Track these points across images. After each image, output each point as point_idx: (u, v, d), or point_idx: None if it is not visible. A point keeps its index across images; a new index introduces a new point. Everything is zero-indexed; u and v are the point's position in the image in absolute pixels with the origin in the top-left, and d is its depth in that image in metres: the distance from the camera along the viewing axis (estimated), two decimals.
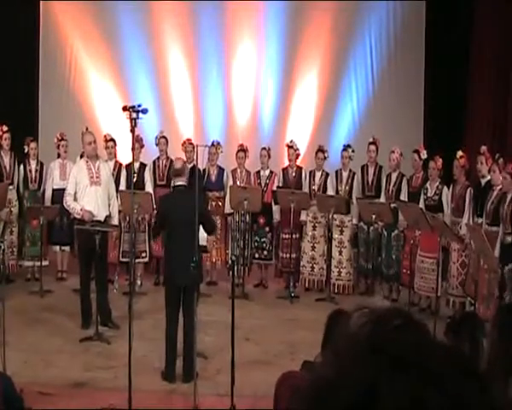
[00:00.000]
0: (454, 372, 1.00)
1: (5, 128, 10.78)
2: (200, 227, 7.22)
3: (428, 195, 9.84)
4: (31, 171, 10.99)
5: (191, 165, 10.61)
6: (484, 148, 9.23)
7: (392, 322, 1.05)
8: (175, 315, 7.18)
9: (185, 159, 11.00)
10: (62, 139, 11.04)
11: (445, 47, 12.59)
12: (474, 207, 9.16)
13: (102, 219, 8.78)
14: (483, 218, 8.85)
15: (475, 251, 8.48)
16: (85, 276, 8.75)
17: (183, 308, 7.16)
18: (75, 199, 8.83)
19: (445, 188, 9.73)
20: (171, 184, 8.37)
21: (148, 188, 10.66)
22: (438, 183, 9.81)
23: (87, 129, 11.17)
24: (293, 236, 10.72)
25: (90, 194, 8.79)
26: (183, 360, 7.10)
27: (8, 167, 10.82)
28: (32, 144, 11.03)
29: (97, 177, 8.90)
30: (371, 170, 10.79)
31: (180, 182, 7.47)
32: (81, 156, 11.02)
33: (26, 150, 10.96)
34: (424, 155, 10.17)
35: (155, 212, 9.17)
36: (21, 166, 10.95)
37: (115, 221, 9.20)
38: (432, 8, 12.97)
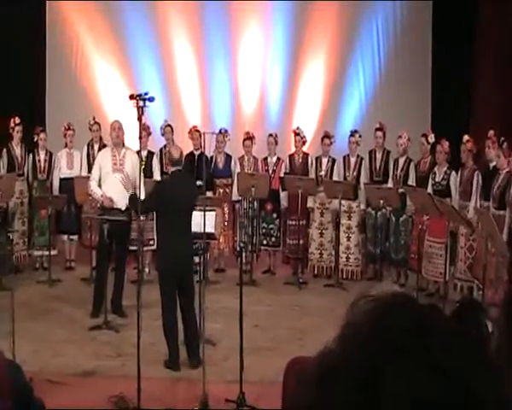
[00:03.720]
0: (458, 357, 1.00)
1: (17, 120, 10.84)
2: (208, 213, 7.22)
3: (436, 179, 9.81)
4: (40, 161, 11.02)
5: (198, 152, 10.62)
6: (491, 132, 9.20)
7: (396, 308, 1.05)
8: (172, 304, 7.12)
9: (192, 146, 11.05)
10: (69, 129, 11.06)
11: (452, 33, 12.51)
12: (481, 191, 9.14)
13: (123, 207, 8.67)
14: (490, 202, 8.84)
15: (483, 235, 8.46)
16: (104, 264, 8.72)
17: (181, 297, 7.13)
18: (99, 185, 8.83)
19: (454, 173, 9.71)
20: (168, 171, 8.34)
21: (157, 176, 10.66)
22: (446, 168, 9.78)
23: (94, 118, 11.23)
24: (300, 222, 10.71)
25: (111, 181, 8.74)
26: (187, 346, 7.11)
27: (19, 158, 10.86)
28: (42, 135, 11.07)
29: (121, 164, 8.84)
30: (379, 155, 10.77)
31: (176, 169, 7.45)
32: (88, 145, 11.08)
33: (35, 140, 10.99)
34: (432, 138, 10.14)
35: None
36: (30, 156, 10.99)
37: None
38: None
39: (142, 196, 7.52)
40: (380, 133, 10.70)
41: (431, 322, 1.04)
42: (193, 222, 7.20)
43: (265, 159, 11.17)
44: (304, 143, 11.12)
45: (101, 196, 8.75)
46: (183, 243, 7.03)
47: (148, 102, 6.52)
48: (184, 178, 7.47)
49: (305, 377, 1.08)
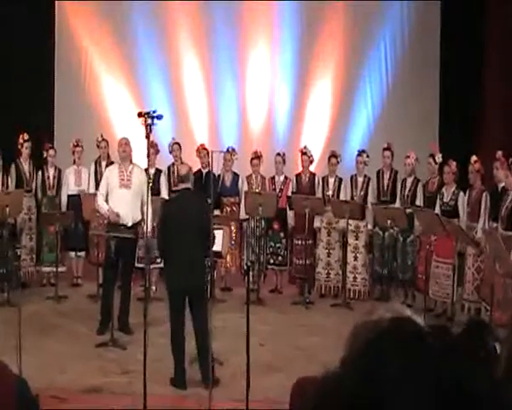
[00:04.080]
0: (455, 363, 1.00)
1: (26, 137, 10.89)
2: (215, 232, 7.21)
3: (444, 200, 9.80)
4: (49, 177, 11.07)
5: (206, 170, 10.64)
6: (499, 153, 9.20)
7: (394, 337, 1.06)
8: (180, 322, 7.11)
9: (199, 164, 11.07)
10: (78, 145, 11.10)
11: (461, 49, 12.52)
12: (489, 212, 9.12)
13: (130, 223, 8.71)
14: (498, 222, 8.82)
15: (491, 255, 8.44)
16: (110, 281, 8.72)
17: (192, 316, 7.10)
18: (106, 201, 8.85)
19: (462, 193, 9.70)
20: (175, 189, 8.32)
21: (164, 194, 10.68)
22: (454, 188, 9.77)
23: (102, 135, 11.27)
24: (307, 242, 10.70)
25: (118, 196, 8.76)
26: (200, 366, 7.05)
27: (27, 174, 10.91)
28: (51, 151, 11.13)
29: (128, 180, 8.86)
30: (386, 175, 10.77)
31: (184, 186, 7.44)
32: (95, 162, 11.12)
33: (44, 156, 11.04)
34: (439, 158, 10.14)
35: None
36: (39, 173, 11.03)
37: (148, 228, 8.81)
38: (447, 7, 12.91)
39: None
40: (388, 153, 10.70)
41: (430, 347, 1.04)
42: None
43: (273, 178, 11.18)
44: (311, 162, 11.13)
45: (108, 210, 8.77)
46: (192, 261, 7.00)
47: (156, 120, 6.54)
48: (192, 195, 7.45)
49: (306, 400, 1.10)
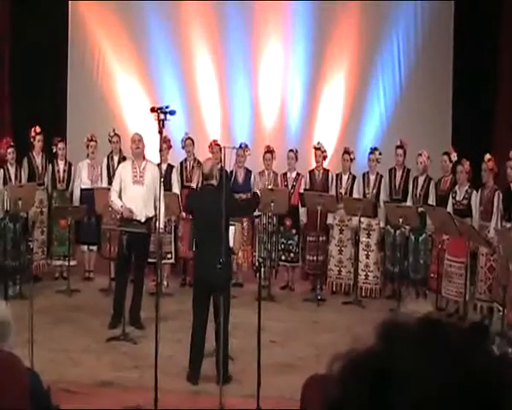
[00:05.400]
0: (457, 390, 0.99)
1: (38, 130, 10.93)
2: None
3: (457, 199, 9.76)
4: (59, 171, 11.09)
5: (218, 166, 10.63)
6: None
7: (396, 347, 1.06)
8: (203, 318, 7.09)
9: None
10: (92, 140, 11.12)
11: (474, 48, 12.46)
12: (502, 211, 9.08)
13: (143, 219, 8.73)
14: (511, 223, 8.78)
15: (503, 256, 8.40)
16: (123, 275, 8.75)
17: (214, 311, 7.08)
18: (120, 196, 8.88)
19: (475, 192, 9.65)
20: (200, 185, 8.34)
21: (175, 189, 10.69)
22: (467, 187, 9.73)
23: (114, 130, 11.30)
24: (320, 238, 10.69)
25: (131, 192, 8.80)
26: (216, 363, 6.98)
27: (40, 168, 10.95)
28: (60, 145, 11.15)
29: (141, 176, 8.89)
30: (399, 173, 10.73)
31: (206, 183, 7.45)
32: (108, 157, 11.14)
33: (54, 150, 11.08)
34: (454, 157, 10.09)
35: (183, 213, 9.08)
36: (50, 166, 11.06)
37: (161, 224, 8.57)
38: (460, 8, 12.86)
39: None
40: (400, 151, 10.66)
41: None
42: None
43: (285, 174, 11.17)
44: (324, 158, 11.10)
45: (121, 206, 8.79)
46: (213, 256, 6.90)
47: (169, 116, 6.55)
48: (214, 192, 7.32)
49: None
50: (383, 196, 10.73)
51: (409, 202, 10.43)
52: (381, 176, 10.81)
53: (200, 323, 7.10)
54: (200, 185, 8.77)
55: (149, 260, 9.46)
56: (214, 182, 7.38)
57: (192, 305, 7.22)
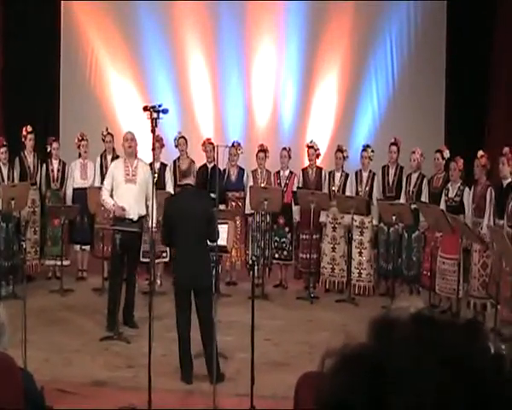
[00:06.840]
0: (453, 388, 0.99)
1: (29, 129, 10.90)
2: (220, 226, 7.20)
3: (450, 196, 9.78)
4: (53, 170, 11.08)
5: (212, 165, 10.64)
6: (506, 149, 9.17)
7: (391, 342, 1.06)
8: (185, 318, 7.08)
9: (205, 159, 11.07)
10: (83, 139, 11.10)
11: (467, 46, 12.50)
12: (495, 208, 9.09)
13: (135, 217, 8.72)
14: (504, 220, 8.79)
15: (497, 253, 8.41)
16: (117, 275, 8.71)
17: (197, 312, 7.06)
18: (111, 196, 8.86)
19: (467, 189, 9.67)
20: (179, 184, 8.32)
21: (169, 188, 10.67)
22: (459, 184, 9.75)
23: (107, 129, 11.28)
24: (313, 236, 10.69)
25: (123, 191, 8.77)
26: (206, 362, 7.00)
27: (31, 167, 10.92)
28: (55, 144, 11.15)
29: (133, 175, 8.87)
30: (392, 171, 10.74)
31: (187, 181, 7.43)
32: (101, 156, 11.13)
33: (48, 150, 11.06)
34: (447, 154, 10.12)
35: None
36: (43, 166, 11.04)
37: (154, 222, 8.78)
38: (453, 7, 12.88)
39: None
40: (394, 148, 10.67)
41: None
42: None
43: (278, 172, 11.17)
44: (318, 156, 11.10)
45: (113, 205, 8.78)
46: (195, 256, 6.98)
47: (161, 114, 6.54)
48: (193, 191, 7.39)
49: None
50: (376, 194, 10.74)
51: (402, 200, 10.44)
52: (374, 174, 10.82)
53: (185, 325, 7.08)
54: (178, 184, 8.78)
55: (143, 259, 9.45)
56: (191, 180, 7.38)
57: (175, 307, 7.18)
